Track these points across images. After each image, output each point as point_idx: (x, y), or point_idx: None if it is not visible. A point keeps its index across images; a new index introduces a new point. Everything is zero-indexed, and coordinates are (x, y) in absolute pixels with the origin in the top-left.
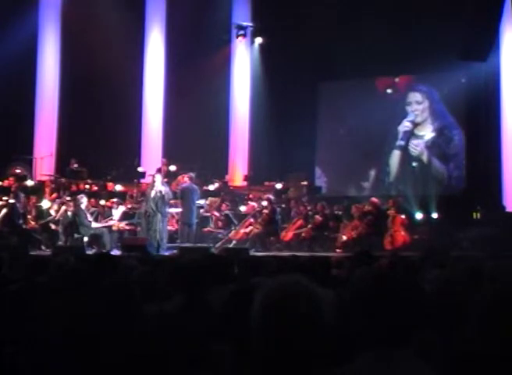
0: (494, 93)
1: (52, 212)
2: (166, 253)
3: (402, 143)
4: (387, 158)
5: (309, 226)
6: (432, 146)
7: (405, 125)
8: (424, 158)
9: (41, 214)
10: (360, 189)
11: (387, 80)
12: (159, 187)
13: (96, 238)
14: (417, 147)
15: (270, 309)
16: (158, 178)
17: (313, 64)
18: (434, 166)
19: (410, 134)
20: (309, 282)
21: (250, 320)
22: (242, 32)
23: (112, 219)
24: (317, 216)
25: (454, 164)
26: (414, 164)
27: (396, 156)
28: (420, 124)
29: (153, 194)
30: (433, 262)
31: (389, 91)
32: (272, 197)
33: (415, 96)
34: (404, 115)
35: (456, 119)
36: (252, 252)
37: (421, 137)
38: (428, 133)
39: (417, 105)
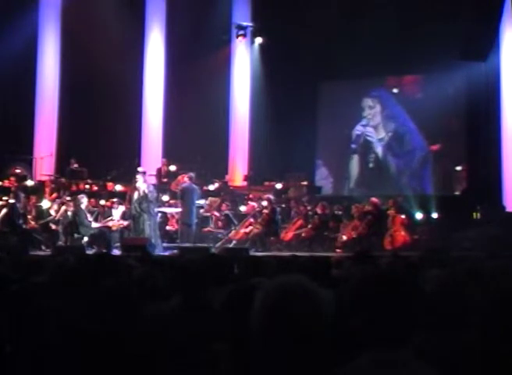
0: (494, 93)
1: (52, 212)
2: (166, 253)
3: (354, 146)
4: (348, 161)
5: (309, 226)
6: (387, 147)
7: (357, 129)
8: (380, 159)
9: (41, 214)
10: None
11: (394, 80)
12: (142, 187)
13: (96, 238)
14: (375, 149)
15: (270, 309)
16: (140, 179)
17: (313, 64)
18: (389, 167)
19: (361, 138)
20: (309, 282)
21: (250, 320)
22: (242, 32)
23: (112, 220)
24: (317, 216)
25: (409, 162)
26: (371, 165)
27: (354, 159)
28: (375, 128)
29: (136, 195)
30: (433, 262)
31: (395, 90)
32: (271, 197)
33: (367, 101)
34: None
35: (418, 120)
36: (252, 252)
37: (378, 139)
38: (383, 135)
39: (370, 109)
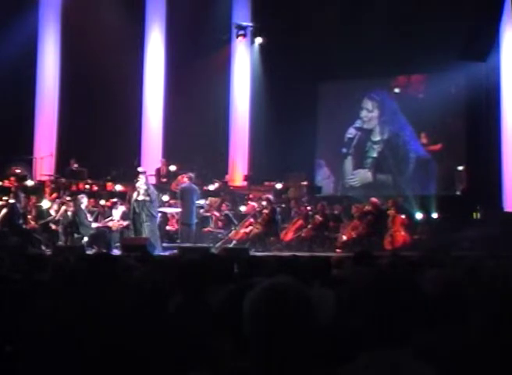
0: (494, 93)
1: (52, 212)
2: (166, 253)
3: (344, 150)
4: (342, 163)
5: (309, 226)
6: (381, 154)
7: (349, 132)
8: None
9: (41, 214)
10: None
11: (394, 80)
12: (142, 188)
13: (96, 238)
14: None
15: (259, 314)
16: (142, 179)
17: (313, 64)
18: (379, 175)
19: (355, 141)
20: (297, 283)
21: (242, 325)
22: (242, 32)
23: (112, 220)
24: (317, 216)
25: (402, 173)
26: (367, 170)
27: (347, 162)
28: (372, 132)
29: (135, 195)
30: (433, 262)
31: (396, 90)
32: (271, 197)
33: (367, 103)
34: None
35: (415, 125)
36: (252, 252)
37: (375, 142)
38: (378, 139)
39: (367, 112)
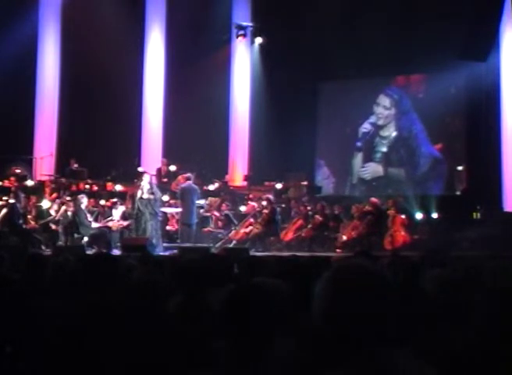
0: (494, 93)
1: (52, 212)
2: (166, 253)
3: (359, 144)
4: (351, 159)
5: (309, 226)
6: (391, 149)
7: (364, 126)
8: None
9: (41, 214)
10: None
11: (394, 80)
12: (146, 187)
13: (96, 238)
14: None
15: (332, 293)
16: (146, 178)
17: (313, 64)
18: (391, 169)
19: (368, 136)
20: (372, 265)
21: (313, 307)
22: (242, 32)
23: (112, 220)
24: (317, 216)
25: (413, 171)
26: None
27: (358, 157)
28: (382, 127)
29: (139, 194)
30: (433, 262)
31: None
32: (271, 197)
33: (385, 100)
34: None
35: (427, 126)
36: (252, 252)
37: (384, 138)
38: (391, 135)
39: (384, 109)
